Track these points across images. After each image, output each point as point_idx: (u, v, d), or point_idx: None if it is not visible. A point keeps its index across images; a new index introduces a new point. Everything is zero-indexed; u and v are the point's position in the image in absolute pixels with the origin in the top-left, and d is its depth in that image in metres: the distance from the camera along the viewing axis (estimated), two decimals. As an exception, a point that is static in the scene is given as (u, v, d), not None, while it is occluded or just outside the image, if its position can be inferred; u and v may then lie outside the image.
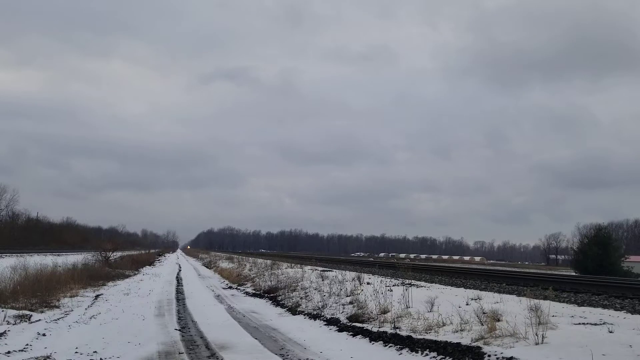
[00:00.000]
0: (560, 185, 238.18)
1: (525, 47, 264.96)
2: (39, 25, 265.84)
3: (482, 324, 9.26)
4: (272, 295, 19.69)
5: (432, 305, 11.71)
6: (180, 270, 41.11)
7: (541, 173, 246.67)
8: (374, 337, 10.40)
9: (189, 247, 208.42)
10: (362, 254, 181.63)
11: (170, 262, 61.81)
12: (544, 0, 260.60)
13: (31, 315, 13.30)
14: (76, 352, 8.98)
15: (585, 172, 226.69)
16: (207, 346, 9.80)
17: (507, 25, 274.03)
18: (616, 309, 11.98)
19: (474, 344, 8.22)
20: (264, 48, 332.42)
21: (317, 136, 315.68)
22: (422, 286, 17.31)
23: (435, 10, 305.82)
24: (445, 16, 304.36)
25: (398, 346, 9.44)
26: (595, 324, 9.13)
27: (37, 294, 16.14)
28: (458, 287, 18.24)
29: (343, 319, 12.72)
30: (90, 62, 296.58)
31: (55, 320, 12.82)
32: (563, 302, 13.40)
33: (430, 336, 9.36)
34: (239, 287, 25.30)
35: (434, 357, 8.49)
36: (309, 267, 31.27)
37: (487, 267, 69.32)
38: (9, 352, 8.71)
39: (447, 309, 11.08)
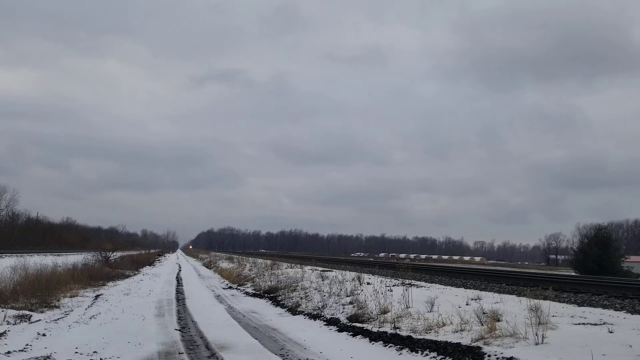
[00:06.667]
0: (557, 186, 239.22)
1: (517, 48, 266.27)
2: (34, 25, 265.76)
3: (482, 324, 9.26)
4: (272, 295, 19.69)
5: (432, 305, 11.71)
6: (180, 271, 41.10)
7: (537, 173, 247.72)
8: (374, 337, 10.40)
9: (190, 247, 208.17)
10: (362, 254, 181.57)
11: (170, 262, 61.79)
12: (534, 1, 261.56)
13: (31, 315, 13.30)
14: (76, 352, 8.97)
15: (581, 173, 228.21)
16: (207, 346, 9.79)
17: (499, 26, 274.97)
18: (616, 309, 11.99)
19: (474, 344, 8.22)
20: (258, 49, 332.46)
21: (314, 136, 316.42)
22: (422, 286, 17.31)
23: (426, 11, 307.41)
24: (438, 18, 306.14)
25: (398, 346, 9.44)
26: (595, 324, 9.14)
27: (37, 294, 16.14)
28: (458, 287, 18.25)
29: (343, 319, 12.71)
30: (85, 62, 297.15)
31: (55, 320, 12.81)
32: (563, 302, 13.41)
33: (430, 336, 9.35)
34: (239, 287, 25.30)
35: (434, 357, 8.48)
36: (309, 267, 31.27)
37: (487, 267, 69.34)
38: (9, 352, 8.71)
39: (447, 309, 11.08)
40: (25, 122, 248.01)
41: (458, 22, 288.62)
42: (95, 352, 9.06)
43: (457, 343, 8.51)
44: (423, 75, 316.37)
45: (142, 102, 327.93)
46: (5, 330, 10.67)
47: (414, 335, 9.65)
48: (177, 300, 18.63)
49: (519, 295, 14.24)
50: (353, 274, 21.94)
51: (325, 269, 30.06)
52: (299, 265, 31.50)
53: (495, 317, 9.47)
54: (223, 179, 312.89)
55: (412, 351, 9.00)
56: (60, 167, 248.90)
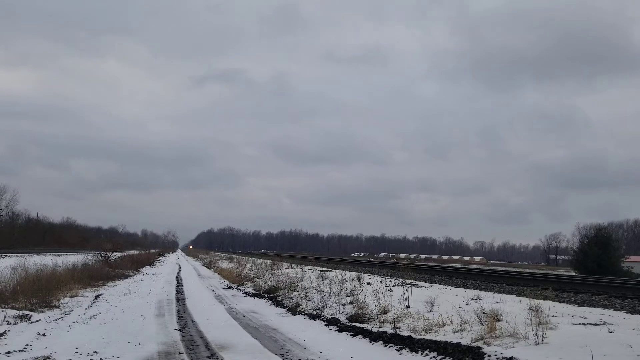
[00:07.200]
0: (557, 186, 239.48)
1: (517, 48, 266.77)
2: (34, 25, 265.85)
3: (482, 324, 9.26)
4: (272, 295, 19.68)
5: (432, 305, 11.71)
6: (180, 271, 41.10)
7: (537, 173, 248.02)
8: (374, 337, 10.40)
9: (190, 247, 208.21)
10: (362, 254, 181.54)
11: (170, 262, 61.79)
12: (534, 1, 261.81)
13: (31, 315, 13.30)
14: (76, 352, 8.97)
15: (581, 173, 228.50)
16: (207, 346, 9.79)
17: (499, 26, 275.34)
18: (616, 309, 11.99)
19: (474, 344, 8.22)
20: (258, 49, 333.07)
21: (314, 136, 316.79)
22: (422, 286, 17.32)
23: (426, 12, 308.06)
24: (438, 18, 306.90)
25: (398, 346, 9.44)
26: (595, 324, 9.14)
27: (37, 294, 16.13)
28: (458, 287, 18.25)
29: (343, 319, 12.71)
30: (85, 62, 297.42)
31: (55, 320, 12.81)
32: (563, 302, 13.41)
33: (430, 336, 9.35)
34: (239, 287, 25.30)
35: (434, 357, 8.48)
36: (309, 267, 31.27)
37: (487, 267, 69.33)
38: (9, 352, 8.71)
39: (447, 309, 11.08)
40: (25, 122, 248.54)
41: (458, 22, 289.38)
42: (95, 352, 9.06)
43: (457, 343, 8.51)
44: (423, 75, 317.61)
45: (142, 102, 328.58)
46: (5, 330, 10.67)
47: (414, 335, 9.65)
48: (177, 300, 18.63)
49: (519, 295, 14.24)
50: (353, 274, 21.94)
51: (325, 269, 30.06)
52: (299, 265, 31.50)
53: (495, 317, 9.47)
54: (223, 179, 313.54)
55: (412, 351, 8.99)
56: (60, 167, 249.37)
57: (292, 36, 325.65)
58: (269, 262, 36.62)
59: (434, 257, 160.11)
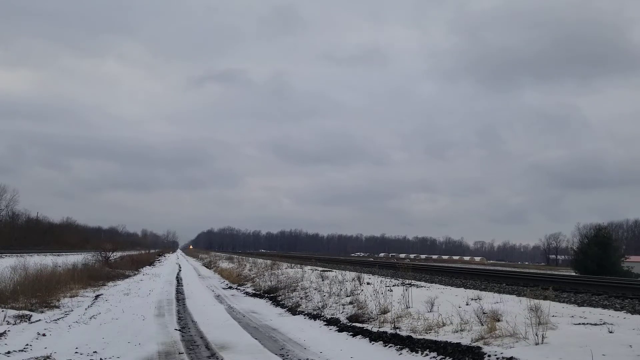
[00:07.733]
0: (557, 186, 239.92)
1: (515, 48, 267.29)
2: (34, 25, 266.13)
3: (482, 324, 9.26)
4: (272, 295, 19.69)
5: (432, 305, 11.72)
6: (180, 271, 41.09)
7: (537, 173, 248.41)
8: (374, 337, 10.40)
9: (190, 247, 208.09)
10: (362, 254, 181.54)
11: (170, 262, 61.78)
12: (533, 1, 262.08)
13: (31, 315, 13.30)
14: (76, 352, 8.97)
15: (581, 173, 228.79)
16: (207, 346, 9.79)
17: (497, 26, 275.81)
18: (616, 309, 11.98)
19: (474, 344, 8.22)
20: (257, 50, 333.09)
21: (314, 136, 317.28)
22: (422, 286, 17.32)
23: (425, 12, 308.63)
24: (437, 18, 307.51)
25: (398, 346, 9.44)
26: (595, 324, 9.13)
27: (37, 294, 16.13)
28: (458, 287, 18.24)
29: (343, 319, 12.72)
30: (85, 62, 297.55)
31: (55, 320, 12.81)
32: (563, 302, 13.40)
33: (430, 336, 9.36)
34: (239, 287, 25.30)
35: (434, 357, 8.49)
36: (309, 267, 31.27)
37: (487, 267, 69.29)
38: (9, 352, 8.70)
39: (447, 309, 11.08)
40: (25, 122, 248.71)
41: (456, 22, 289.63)
42: (95, 352, 9.06)
43: (457, 343, 8.51)
44: (422, 75, 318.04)
45: (142, 102, 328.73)
46: (5, 330, 10.67)
47: (414, 335, 9.65)
48: (177, 300, 18.63)
49: (519, 295, 14.24)
50: (353, 274, 21.94)
51: (325, 269, 30.06)
52: (299, 265, 31.50)
53: (495, 317, 9.47)
54: (223, 179, 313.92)
55: (412, 351, 9.00)
56: (60, 167, 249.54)
57: (291, 36, 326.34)
58: (269, 262, 36.61)
59: (434, 257, 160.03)
